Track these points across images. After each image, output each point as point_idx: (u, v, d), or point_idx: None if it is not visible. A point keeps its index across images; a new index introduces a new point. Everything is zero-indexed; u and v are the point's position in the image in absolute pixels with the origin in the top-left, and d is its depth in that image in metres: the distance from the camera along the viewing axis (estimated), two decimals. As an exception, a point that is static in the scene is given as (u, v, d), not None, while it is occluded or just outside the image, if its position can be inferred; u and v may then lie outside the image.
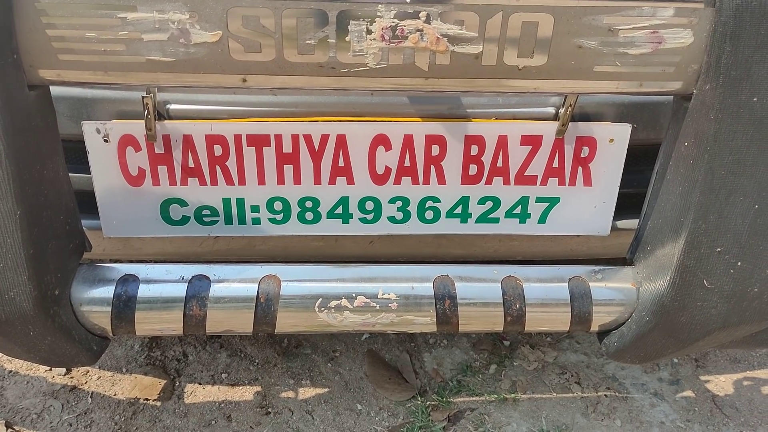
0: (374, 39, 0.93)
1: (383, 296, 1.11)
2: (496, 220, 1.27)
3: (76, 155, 1.20)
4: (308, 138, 1.17)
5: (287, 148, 1.17)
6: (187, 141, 1.16)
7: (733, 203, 1.00)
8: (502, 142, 1.19)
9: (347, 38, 0.93)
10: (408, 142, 1.18)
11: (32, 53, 0.92)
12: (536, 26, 0.93)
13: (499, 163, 1.21)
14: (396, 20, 0.92)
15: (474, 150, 1.19)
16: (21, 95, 0.94)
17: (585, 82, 0.98)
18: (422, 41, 0.93)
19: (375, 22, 0.92)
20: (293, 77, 0.96)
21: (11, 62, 0.91)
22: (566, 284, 1.13)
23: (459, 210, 1.25)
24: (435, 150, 1.19)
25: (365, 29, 0.92)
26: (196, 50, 0.93)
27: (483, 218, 1.26)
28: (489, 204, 1.25)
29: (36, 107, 0.97)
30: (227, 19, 0.91)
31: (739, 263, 1.02)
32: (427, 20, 0.92)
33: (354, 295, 1.11)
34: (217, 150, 1.17)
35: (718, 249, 1.02)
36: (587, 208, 1.26)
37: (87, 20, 0.90)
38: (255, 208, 1.23)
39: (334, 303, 1.10)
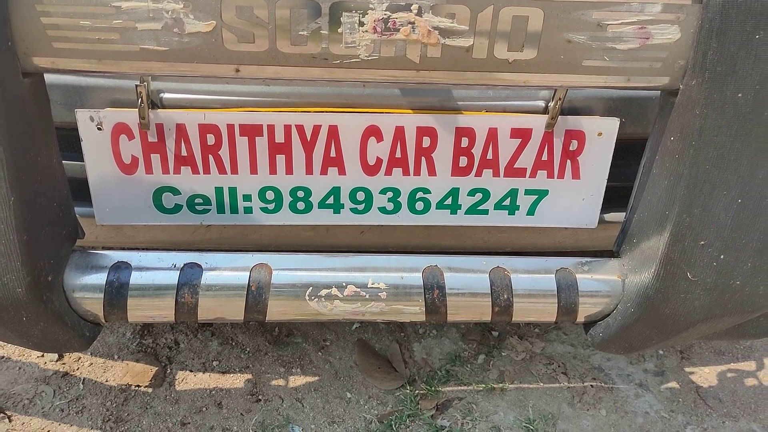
0: (366, 31, 0.94)
1: (373, 285, 1.12)
2: (486, 212, 1.28)
3: (70, 143, 1.21)
4: (300, 128, 1.18)
5: (279, 138, 1.18)
6: (180, 130, 1.17)
7: (717, 197, 1.01)
8: (492, 135, 1.20)
9: (339, 30, 0.94)
10: (399, 133, 1.19)
11: (27, 41, 0.93)
12: (526, 20, 0.94)
13: (489, 156, 1.22)
14: (388, 12, 0.93)
15: (464, 142, 1.21)
16: (15, 83, 0.94)
17: (574, 76, 0.99)
18: (414, 34, 0.95)
19: (367, 14, 0.93)
20: (286, 68, 0.97)
21: (6, 50, 0.91)
22: (553, 275, 1.15)
23: (449, 201, 1.27)
24: (426, 142, 1.20)
25: (357, 21, 0.94)
26: (190, 40, 0.94)
27: (472, 210, 1.28)
28: (479, 196, 1.26)
29: (30, 95, 0.98)
30: (221, 9, 0.92)
31: (722, 256, 1.04)
32: (419, 13, 0.93)
33: (344, 284, 1.12)
34: (210, 139, 1.18)
35: (702, 242, 1.04)
36: (575, 201, 1.27)
37: (81, 8, 0.91)
38: (247, 197, 1.24)
39: (324, 292, 1.12)
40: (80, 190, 1.23)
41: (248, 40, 0.94)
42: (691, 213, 1.03)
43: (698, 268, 1.05)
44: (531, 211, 1.29)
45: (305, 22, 0.94)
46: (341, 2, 0.93)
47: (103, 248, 1.30)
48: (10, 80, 0.93)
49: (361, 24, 0.94)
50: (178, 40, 0.94)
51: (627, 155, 1.27)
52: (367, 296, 1.12)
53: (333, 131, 1.19)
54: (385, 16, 0.93)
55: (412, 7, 0.93)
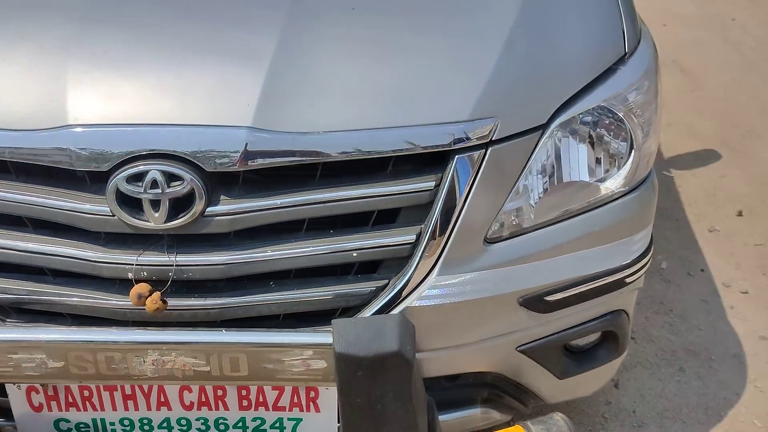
0: (148, 364, 1.69)
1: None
2: (265, 430, 2.01)
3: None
4: (141, 387, 1.92)
5: (129, 391, 1.92)
6: (68, 389, 1.92)
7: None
8: (261, 389, 1.93)
9: (133, 363, 1.69)
10: (203, 389, 1.93)
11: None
12: (238, 359, 1.69)
13: (261, 399, 1.95)
14: (159, 356, 1.68)
15: (244, 393, 1.93)
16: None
17: (273, 381, 1.73)
18: (175, 365, 1.69)
19: (147, 355, 1.68)
20: (107, 380, 1.73)
21: None
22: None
23: (240, 424, 1.99)
24: (220, 392, 1.94)
25: (142, 360, 1.69)
26: (53, 369, 1.70)
27: (255, 429, 2.00)
28: (258, 421, 1.98)
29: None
30: (66, 356, 1.68)
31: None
32: (176, 356, 1.68)
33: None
34: (86, 393, 1.93)
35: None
36: (321, 423, 1.98)
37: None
38: (112, 424, 1.98)
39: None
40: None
41: (84, 369, 1.70)
42: (351, 455, 1.75)
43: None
44: (294, 429, 2.01)
45: (116, 359, 1.69)
46: (133, 349, 1.68)
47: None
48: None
49: (145, 361, 1.69)
50: (46, 369, 1.70)
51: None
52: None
53: (162, 389, 1.93)
54: (158, 358, 1.68)
55: (172, 353, 1.68)
